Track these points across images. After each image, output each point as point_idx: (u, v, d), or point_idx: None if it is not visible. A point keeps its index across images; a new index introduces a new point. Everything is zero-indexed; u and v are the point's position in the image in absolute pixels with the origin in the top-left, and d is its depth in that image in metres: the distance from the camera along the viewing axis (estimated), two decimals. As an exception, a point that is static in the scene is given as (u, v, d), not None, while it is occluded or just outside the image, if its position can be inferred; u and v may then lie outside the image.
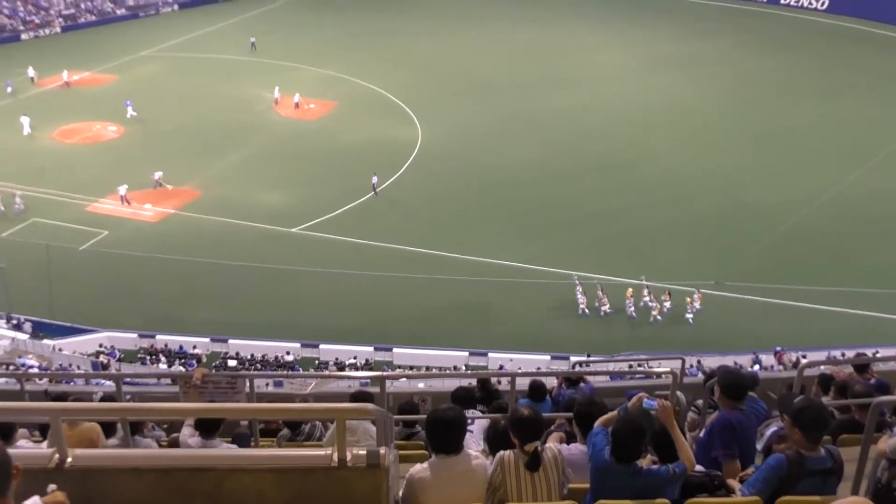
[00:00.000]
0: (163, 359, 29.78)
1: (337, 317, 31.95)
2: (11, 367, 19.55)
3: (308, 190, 40.96)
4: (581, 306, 31.65)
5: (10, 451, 3.41)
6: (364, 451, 4.20)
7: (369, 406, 5.05)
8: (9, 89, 53.15)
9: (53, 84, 55.28)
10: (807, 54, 59.65)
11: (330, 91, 53.23)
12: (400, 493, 5.10)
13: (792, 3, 71.38)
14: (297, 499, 4.15)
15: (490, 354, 29.36)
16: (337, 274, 33.77)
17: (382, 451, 4.22)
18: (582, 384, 10.82)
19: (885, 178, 40.46)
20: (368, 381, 19.69)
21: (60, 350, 29.87)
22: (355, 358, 29.65)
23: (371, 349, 30.24)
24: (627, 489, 5.41)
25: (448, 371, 26.27)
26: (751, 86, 53.14)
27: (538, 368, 25.58)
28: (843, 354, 22.83)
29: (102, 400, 10.15)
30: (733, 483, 5.88)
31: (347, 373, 25.45)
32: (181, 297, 33.53)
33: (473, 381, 11.41)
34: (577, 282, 32.23)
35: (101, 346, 30.72)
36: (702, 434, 7.06)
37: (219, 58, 60.25)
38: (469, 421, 7.09)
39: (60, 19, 70.33)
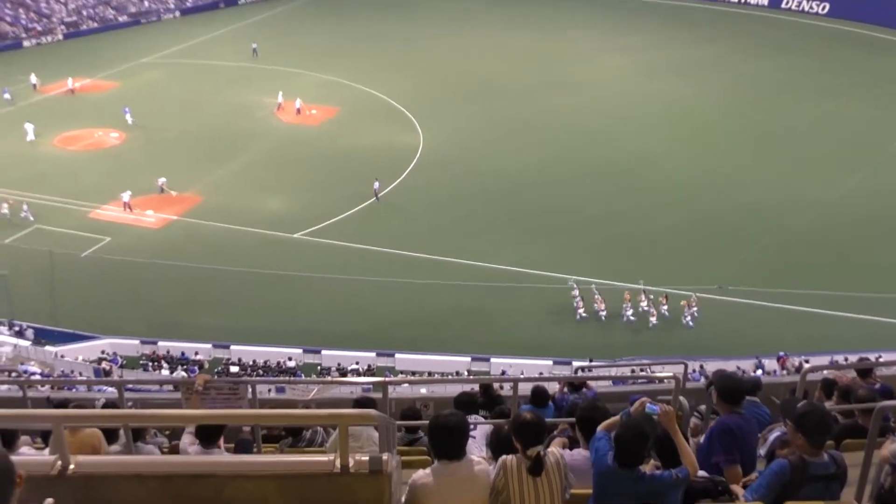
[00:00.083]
0: (165, 365, 29.78)
1: (339, 322, 31.95)
2: (14, 374, 19.55)
3: (310, 195, 41.00)
4: (579, 311, 31.66)
5: (13, 458, 3.40)
6: (366, 457, 4.19)
7: (372, 412, 5.05)
8: (6, 96, 53.22)
9: (57, 91, 55.41)
10: (807, 57, 59.71)
11: (331, 96, 53.32)
12: (402, 499, 5.08)
13: (793, 7, 71.45)
14: (300, 505, 4.14)
15: (492, 360, 29.34)
16: (339, 279, 33.78)
17: (385, 457, 4.21)
18: (585, 389, 10.80)
19: (888, 180, 40.49)
20: (371, 386, 19.65)
21: (63, 357, 29.88)
22: (357, 363, 29.64)
23: (373, 355, 30.23)
24: (630, 494, 5.40)
25: (450, 377, 26.26)
26: (751, 88, 53.21)
27: (540, 373, 25.54)
28: (846, 359, 22.82)
29: (105, 406, 10.14)
30: (736, 489, 5.87)
31: (350, 378, 25.43)
32: (183, 304, 33.55)
33: (476, 387, 11.39)
34: (574, 286, 32.23)
35: (103, 352, 30.72)
36: (702, 440, 7.05)
37: (220, 64, 60.38)
38: (471, 426, 7.07)
39: (62, 26, 70.52)
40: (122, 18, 73.66)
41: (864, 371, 9.94)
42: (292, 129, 49.10)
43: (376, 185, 40.23)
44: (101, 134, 48.51)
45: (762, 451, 7.08)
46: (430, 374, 28.10)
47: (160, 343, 31.24)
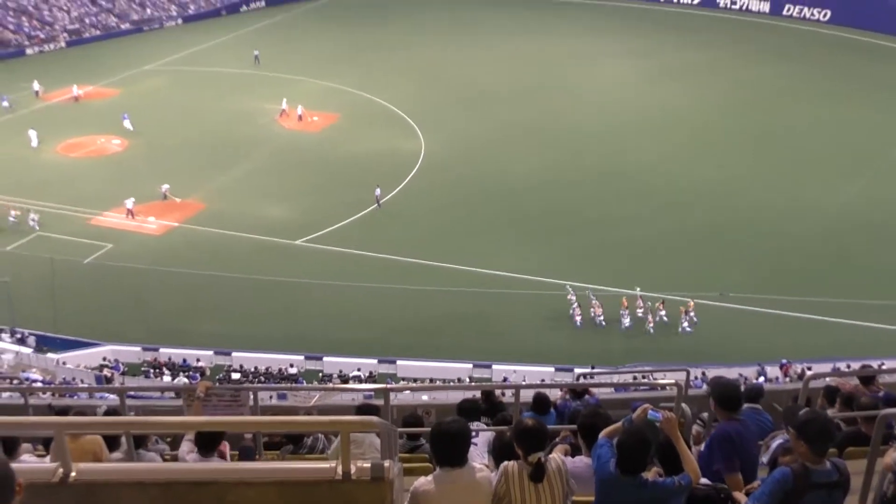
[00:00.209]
0: (166, 372, 29.75)
1: (340, 329, 31.94)
2: (15, 382, 19.57)
3: (311, 202, 41.05)
4: (577, 317, 31.65)
5: (15, 465, 3.40)
6: (368, 464, 4.18)
7: (373, 419, 5.04)
8: (4, 104, 53.31)
9: (60, 98, 55.54)
10: (808, 64, 59.79)
11: (333, 103, 53.43)
12: (404, 507, 5.08)
13: (794, 14, 71.57)
14: (301, 512, 4.13)
15: (494, 366, 29.30)
16: (341, 286, 33.78)
17: (387, 464, 4.21)
18: (587, 396, 10.79)
19: (890, 186, 40.49)
20: (372, 393, 19.65)
21: (64, 364, 29.86)
22: (359, 370, 29.60)
23: (375, 361, 30.21)
24: (633, 501, 5.39)
25: (452, 383, 26.25)
26: (752, 94, 53.32)
27: (542, 380, 25.50)
28: (848, 366, 22.73)
29: (106, 414, 10.13)
30: (739, 496, 5.85)
31: (351, 385, 25.40)
32: (185, 310, 33.55)
33: (478, 394, 11.38)
34: (572, 292, 32.24)
35: (104, 359, 30.70)
36: (702, 448, 7.03)
37: (222, 71, 60.52)
38: (473, 433, 7.07)
39: (65, 34, 70.73)
40: (125, 26, 73.90)
41: (867, 378, 9.93)
42: (294, 135, 49.19)
43: (378, 191, 40.27)
44: (104, 141, 48.61)
45: (765, 459, 7.06)
46: (431, 380, 28.07)
47: (162, 350, 31.23)
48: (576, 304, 31.83)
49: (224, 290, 34.15)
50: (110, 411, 10.48)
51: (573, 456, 6.57)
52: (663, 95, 53.61)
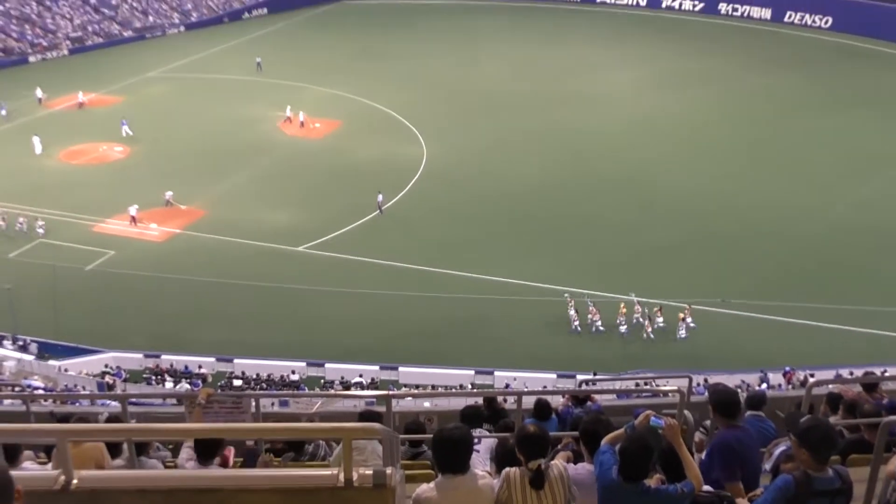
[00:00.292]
0: (168, 379, 29.75)
1: (342, 335, 31.94)
2: (17, 389, 19.57)
3: (313, 208, 41.08)
4: (574, 323, 31.65)
5: (17, 472, 3.40)
6: (370, 471, 4.18)
7: (376, 425, 5.03)
8: (2, 112, 53.34)
9: (63, 105, 55.67)
10: (809, 71, 59.80)
11: (335, 110, 53.53)
12: (406, 514, 5.07)
13: (795, 21, 71.67)
14: (303, 519, 4.13)
15: (496, 373, 29.29)
16: (342, 293, 33.79)
17: (389, 471, 4.20)
18: (589, 403, 10.77)
19: (893, 193, 40.43)
20: (374, 400, 19.63)
21: (66, 371, 29.87)
22: (361, 377, 29.59)
23: (377, 368, 30.18)
24: (635, 509, 5.37)
25: (454, 390, 26.22)
26: (753, 101, 53.39)
27: (544, 387, 25.50)
28: (851, 373, 22.66)
29: (108, 420, 10.13)
30: (742, 503, 5.83)
31: (353, 392, 25.38)
32: (187, 317, 33.55)
33: (480, 400, 11.36)
34: (570, 299, 32.23)
35: (106, 366, 30.71)
36: (703, 456, 7.01)
37: (224, 78, 60.68)
38: (475, 440, 7.06)
39: (68, 42, 70.95)
40: (127, 33, 74.13)
41: (870, 385, 9.90)
42: (296, 142, 49.27)
43: (380, 197, 40.31)
44: (106, 148, 48.71)
45: (767, 466, 7.03)
46: (433, 387, 28.06)
47: (163, 356, 31.24)
48: (574, 311, 31.83)
49: (226, 297, 34.16)
50: (112, 418, 10.48)
51: (575, 462, 6.56)
52: (664, 102, 53.67)
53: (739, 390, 20.68)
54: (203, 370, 30.50)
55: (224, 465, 7.33)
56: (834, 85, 56.73)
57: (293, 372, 30.10)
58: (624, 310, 31.69)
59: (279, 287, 34.35)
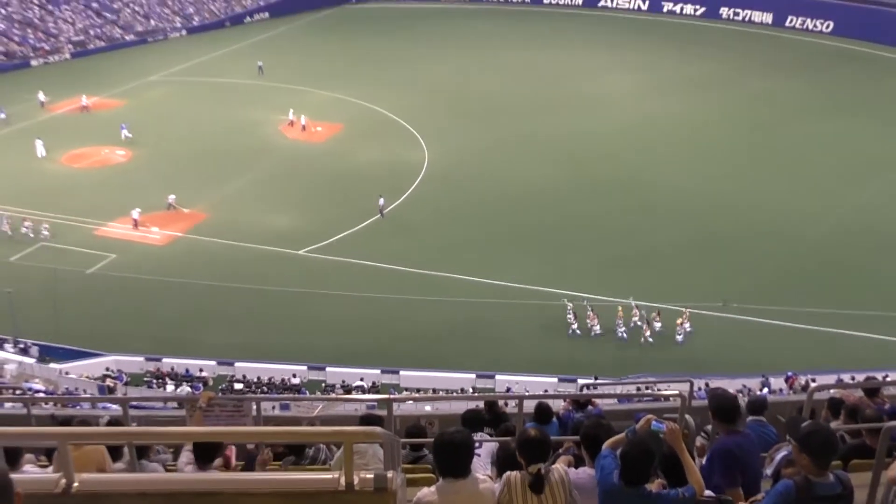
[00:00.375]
0: (169, 382, 29.75)
1: (343, 339, 31.93)
2: (18, 392, 19.58)
3: (315, 212, 41.10)
4: (572, 327, 31.62)
5: (17, 475, 3.40)
6: (371, 475, 4.18)
7: (377, 429, 5.03)
8: (1, 115, 53.40)
9: (65, 108, 55.75)
10: (812, 75, 59.87)
11: (336, 114, 53.58)
12: (407, 518, 5.06)
13: (796, 25, 71.72)
14: (304, 523, 4.12)
15: (497, 377, 29.26)
16: (344, 296, 33.79)
17: (390, 474, 4.20)
18: (590, 407, 10.76)
19: (893, 197, 40.41)
20: (375, 404, 19.64)
21: (67, 374, 29.86)
22: (362, 380, 29.57)
23: (378, 371, 30.18)
24: (636, 513, 5.36)
25: (455, 393, 26.18)
26: (755, 105, 53.40)
27: (545, 391, 25.45)
28: (852, 378, 22.65)
29: (109, 424, 10.12)
30: (743, 508, 5.83)
31: (354, 396, 25.37)
32: (188, 320, 33.56)
33: (481, 404, 11.35)
34: (568, 303, 32.21)
35: (107, 369, 30.71)
36: (703, 461, 6.99)
37: (226, 82, 60.77)
38: (476, 444, 7.06)
39: (70, 46, 71.05)
40: (129, 37, 74.24)
41: (872, 390, 9.89)
42: (297, 145, 49.32)
43: (381, 201, 40.33)
44: (108, 152, 48.77)
45: (768, 471, 7.02)
46: (434, 391, 28.02)
47: (165, 360, 31.22)
48: (572, 315, 31.82)
49: (227, 301, 34.17)
50: (113, 421, 10.48)
51: (576, 467, 6.55)
52: (665, 106, 53.71)
53: (740, 395, 20.68)
54: (204, 373, 30.49)
55: (226, 464, 7.33)
56: (834, 89, 56.76)
57: (294, 375, 30.07)
58: (621, 313, 31.67)
59: (280, 290, 34.37)
